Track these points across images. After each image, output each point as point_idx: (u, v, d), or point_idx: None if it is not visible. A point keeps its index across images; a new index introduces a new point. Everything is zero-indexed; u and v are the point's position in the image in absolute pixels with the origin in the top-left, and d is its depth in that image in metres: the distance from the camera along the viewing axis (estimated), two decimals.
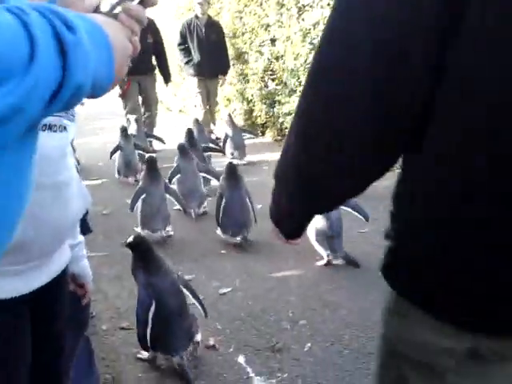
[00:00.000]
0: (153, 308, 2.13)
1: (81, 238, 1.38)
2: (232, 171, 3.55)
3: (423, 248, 0.78)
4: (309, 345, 2.34)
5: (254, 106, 7.27)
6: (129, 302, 2.76)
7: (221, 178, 3.65)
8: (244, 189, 3.53)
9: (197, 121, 5.76)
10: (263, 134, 7.07)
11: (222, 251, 3.39)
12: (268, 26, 6.88)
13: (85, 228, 1.82)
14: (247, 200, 3.48)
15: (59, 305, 1.20)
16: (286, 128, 6.19)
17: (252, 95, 7.25)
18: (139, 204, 3.62)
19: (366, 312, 2.53)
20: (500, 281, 0.72)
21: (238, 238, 3.41)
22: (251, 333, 2.46)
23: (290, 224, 0.98)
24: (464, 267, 0.74)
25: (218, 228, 3.49)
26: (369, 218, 3.39)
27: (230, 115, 5.97)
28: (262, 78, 6.93)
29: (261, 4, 6.91)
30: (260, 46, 7.08)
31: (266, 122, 7.08)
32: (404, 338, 0.84)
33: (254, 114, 7.29)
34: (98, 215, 3.90)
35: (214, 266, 3.17)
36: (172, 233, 3.66)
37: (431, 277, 0.78)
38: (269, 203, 0.97)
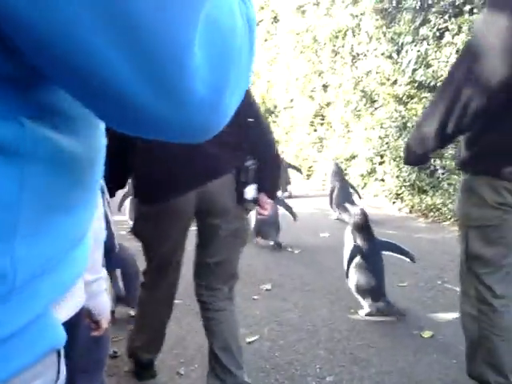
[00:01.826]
0: None
1: (103, 273, 1.34)
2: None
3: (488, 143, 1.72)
4: None
5: (301, 149, 7.30)
6: None
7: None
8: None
9: None
10: (308, 177, 7.04)
11: (255, 297, 3.33)
12: (321, 72, 6.96)
13: (110, 263, 1.82)
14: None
15: (68, 349, 1.18)
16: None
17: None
18: None
19: (396, 373, 2.40)
20: None
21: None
22: None
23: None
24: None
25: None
26: (414, 258, 3.18)
27: (337, 164, 5.51)
28: (311, 122, 6.96)
29: (316, 51, 7.01)
30: (312, 91, 7.15)
31: (311, 166, 7.08)
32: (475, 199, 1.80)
33: (302, 157, 7.31)
34: None
35: (245, 312, 3.11)
36: None
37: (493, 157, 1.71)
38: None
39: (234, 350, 2.10)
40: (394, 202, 5.61)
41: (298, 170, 6.71)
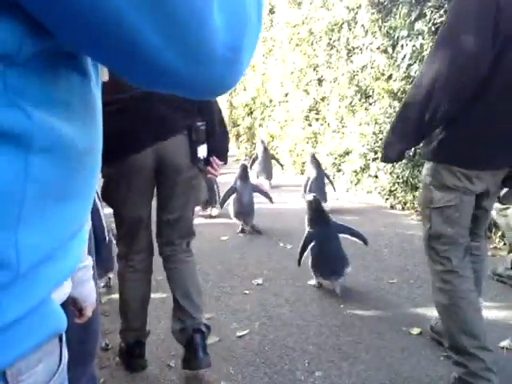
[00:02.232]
0: None
1: (88, 261, 1.32)
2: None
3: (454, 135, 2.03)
4: None
5: (296, 144, 7.29)
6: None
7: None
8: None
9: None
10: (302, 173, 7.05)
11: (246, 291, 3.35)
12: (316, 66, 6.95)
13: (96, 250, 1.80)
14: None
15: None
16: (326, 168, 6.16)
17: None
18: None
19: (384, 369, 2.42)
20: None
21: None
22: (263, 380, 2.38)
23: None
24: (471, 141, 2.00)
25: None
26: (367, 241, 3.39)
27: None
28: (306, 117, 6.96)
29: (311, 44, 6.99)
30: (307, 85, 7.13)
31: (305, 161, 7.08)
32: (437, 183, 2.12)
33: (296, 152, 7.31)
34: None
35: (236, 306, 3.13)
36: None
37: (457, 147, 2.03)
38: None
39: (193, 296, 2.34)
40: (387, 199, 5.63)
41: (280, 163, 7.12)
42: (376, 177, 5.77)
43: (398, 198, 5.45)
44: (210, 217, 5.14)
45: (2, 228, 0.48)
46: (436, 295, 2.23)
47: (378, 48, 5.63)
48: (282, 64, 7.65)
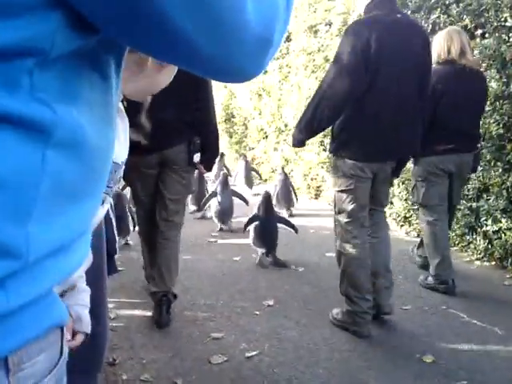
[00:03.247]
0: None
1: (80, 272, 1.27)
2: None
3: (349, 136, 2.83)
4: None
5: (310, 169, 7.29)
6: (154, 353, 2.72)
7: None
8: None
9: None
10: (317, 197, 7.03)
11: (256, 312, 3.30)
12: None
13: (111, 267, 1.81)
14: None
15: None
16: None
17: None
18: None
19: None
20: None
21: None
22: None
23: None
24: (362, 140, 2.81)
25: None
26: (297, 230, 4.42)
27: (282, 168, 6.55)
28: (321, 142, 6.96)
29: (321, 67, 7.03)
30: None
31: (320, 186, 7.06)
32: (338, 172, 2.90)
33: (310, 177, 7.30)
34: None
35: (246, 327, 3.09)
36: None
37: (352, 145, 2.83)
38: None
39: (172, 269, 3.07)
40: (401, 225, 5.57)
41: (259, 174, 7.98)
42: (391, 203, 5.72)
43: (412, 224, 5.40)
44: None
45: (14, 219, 0.48)
46: (337, 256, 3.02)
47: None
48: (297, 90, 7.70)
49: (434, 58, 3.45)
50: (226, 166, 7.82)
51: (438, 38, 3.59)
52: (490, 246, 4.35)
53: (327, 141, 7.01)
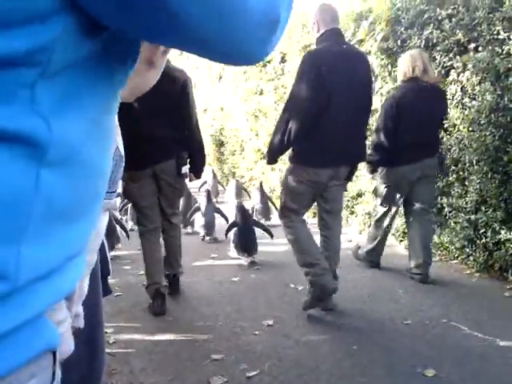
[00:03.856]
0: None
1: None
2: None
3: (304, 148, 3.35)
4: None
5: None
6: (154, 376, 2.70)
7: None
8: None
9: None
10: (314, 216, 7.01)
11: (256, 332, 3.28)
12: None
13: (106, 289, 1.80)
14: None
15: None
16: None
17: None
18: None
19: None
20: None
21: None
22: None
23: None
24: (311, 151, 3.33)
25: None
26: (273, 235, 5.06)
27: (261, 183, 6.97)
28: None
29: None
30: None
31: None
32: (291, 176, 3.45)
33: None
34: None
35: (246, 347, 3.06)
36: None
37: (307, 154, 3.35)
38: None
39: (177, 256, 3.92)
40: (400, 241, 5.56)
41: (248, 193, 8.26)
42: None
43: None
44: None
45: (5, 239, 0.47)
46: (285, 231, 3.54)
47: (388, 92, 5.69)
48: None
49: (400, 76, 4.20)
50: (220, 183, 8.84)
51: (403, 59, 4.15)
52: (489, 258, 4.33)
53: None
